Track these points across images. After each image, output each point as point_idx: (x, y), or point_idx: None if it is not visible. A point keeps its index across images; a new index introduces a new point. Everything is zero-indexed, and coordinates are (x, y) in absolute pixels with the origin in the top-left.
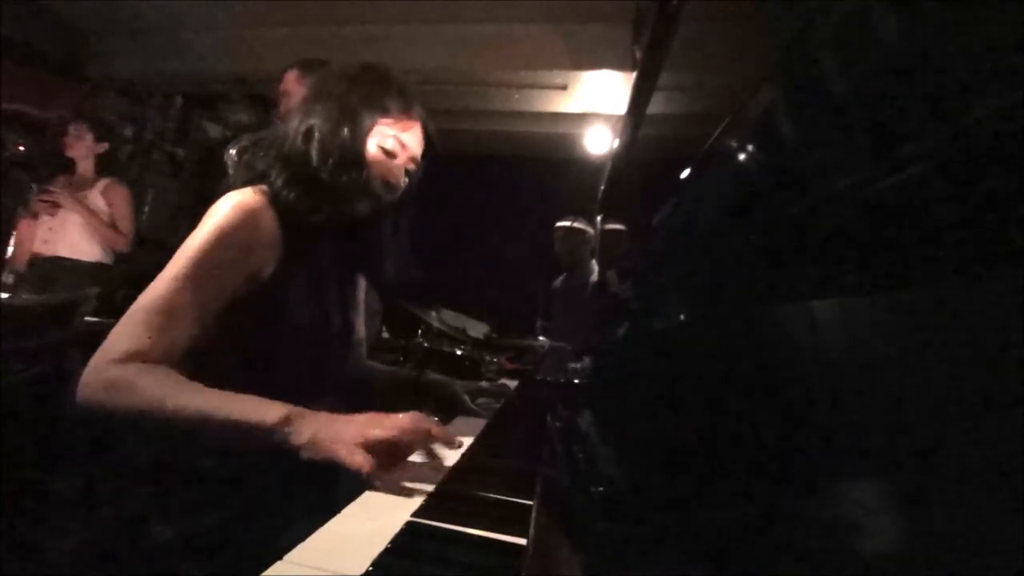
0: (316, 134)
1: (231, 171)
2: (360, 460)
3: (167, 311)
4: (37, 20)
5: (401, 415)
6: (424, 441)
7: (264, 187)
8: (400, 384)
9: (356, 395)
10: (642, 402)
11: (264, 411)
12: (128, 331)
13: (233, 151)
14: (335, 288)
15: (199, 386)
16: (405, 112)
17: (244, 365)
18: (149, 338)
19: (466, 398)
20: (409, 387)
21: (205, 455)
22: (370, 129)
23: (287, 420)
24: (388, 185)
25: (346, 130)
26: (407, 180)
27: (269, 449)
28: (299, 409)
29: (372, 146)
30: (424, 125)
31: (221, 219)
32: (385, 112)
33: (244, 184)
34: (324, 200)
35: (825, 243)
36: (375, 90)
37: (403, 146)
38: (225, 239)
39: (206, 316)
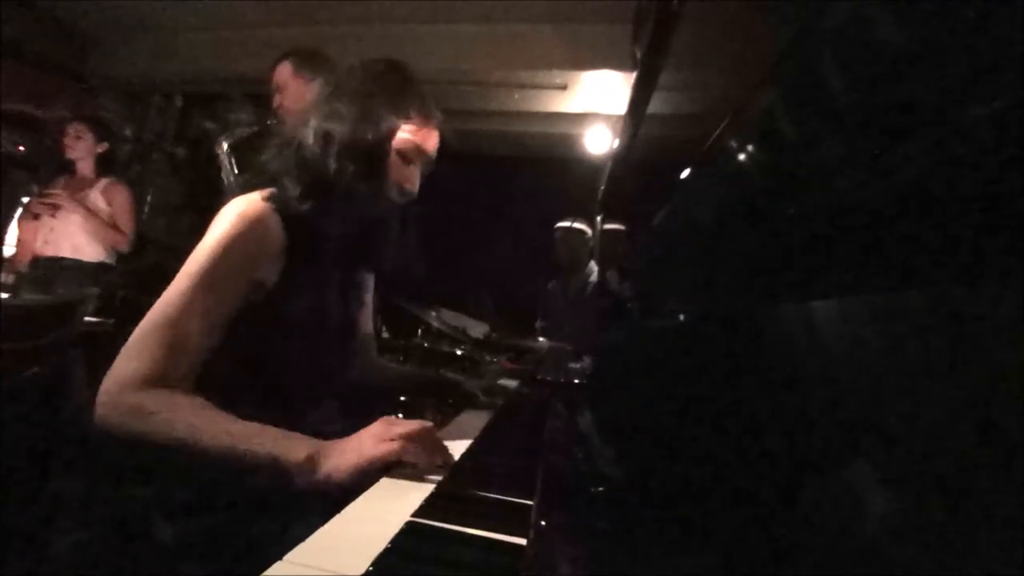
0: (336, 138)
1: (226, 167)
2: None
3: (180, 329)
4: (37, 20)
5: (405, 425)
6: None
7: (271, 190)
8: (413, 381)
9: (367, 393)
10: (642, 402)
11: (291, 448)
12: (143, 352)
13: (225, 145)
14: (341, 290)
15: (226, 416)
16: (425, 117)
17: (248, 371)
18: (165, 359)
19: (479, 393)
20: (426, 384)
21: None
22: (392, 135)
23: (311, 459)
24: (403, 190)
25: (369, 135)
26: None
27: (291, 485)
28: (322, 445)
29: (391, 153)
30: (442, 130)
31: (226, 230)
32: (407, 118)
33: (251, 187)
34: (338, 209)
35: (825, 243)
36: (399, 94)
37: (420, 151)
38: (230, 251)
39: (216, 329)
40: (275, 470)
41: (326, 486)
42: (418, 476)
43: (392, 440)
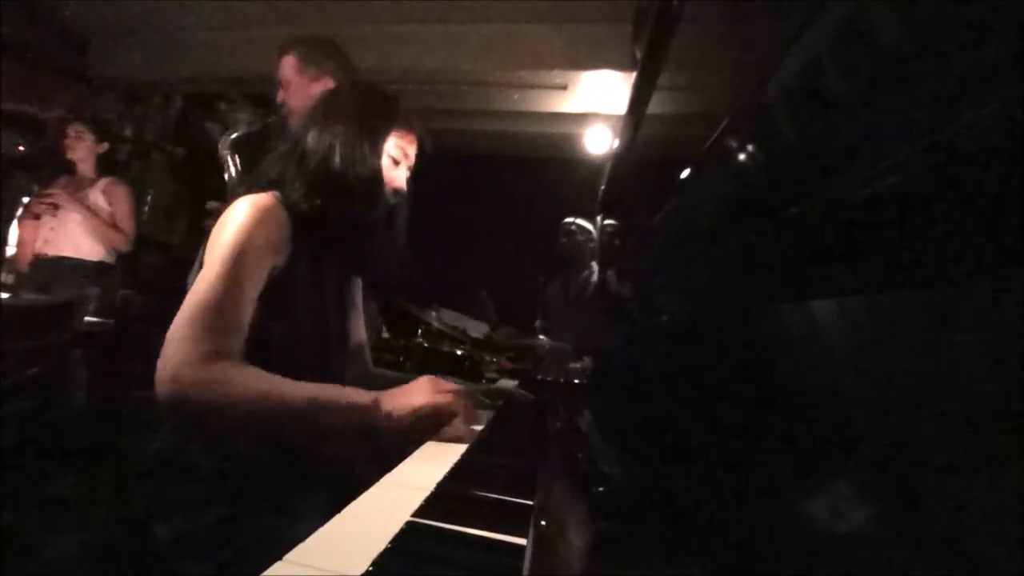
0: (338, 150)
1: (229, 168)
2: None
3: (222, 309)
4: (37, 20)
5: (449, 383)
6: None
7: (274, 192)
8: None
9: None
10: (642, 401)
11: (359, 396)
12: (194, 333)
13: (227, 145)
14: (335, 288)
15: (288, 380)
16: (408, 128)
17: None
18: (217, 336)
19: (479, 396)
20: None
21: (206, 455)
22: (384, 142)
23: (376, 403)
24: (395, 189)
25: (366, 147)
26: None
27: (358, 428)
28: (380, 392)
29: (384, 157)
30: (419, 137)
31: (244, 217)
32: (395, 127)
33: (255, 190)
34: (341, 207)
35: (825, 243)
36: (386, 107)
37: (406, 155)
38: (252, 235)
39: (250, 307)
40: (354, 415)
41: (388, 424)
42: (455, 439)
43: (442, 392)
